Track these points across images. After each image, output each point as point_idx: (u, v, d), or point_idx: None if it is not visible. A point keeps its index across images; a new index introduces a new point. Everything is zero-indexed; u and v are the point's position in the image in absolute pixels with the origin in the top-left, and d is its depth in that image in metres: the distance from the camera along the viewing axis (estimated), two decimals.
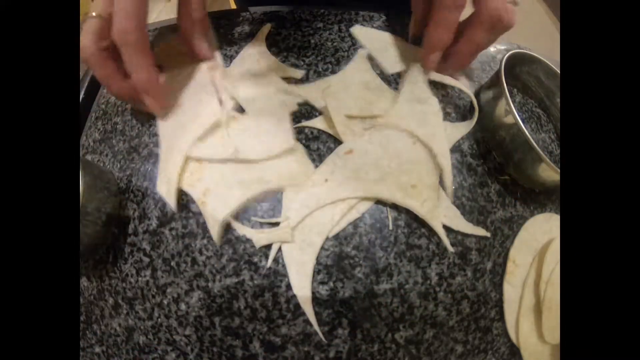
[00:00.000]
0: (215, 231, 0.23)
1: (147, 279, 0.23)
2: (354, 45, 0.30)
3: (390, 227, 0.23)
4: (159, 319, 0.23)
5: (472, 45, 0.25)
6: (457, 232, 0.24)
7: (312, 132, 0.26)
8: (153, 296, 0.23)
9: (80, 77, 0.32)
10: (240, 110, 0.26)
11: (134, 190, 0.25)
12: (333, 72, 0.28)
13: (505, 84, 0.25)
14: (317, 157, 0.25)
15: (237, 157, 0.24)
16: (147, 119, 0.27)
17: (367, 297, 0.22)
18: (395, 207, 0.24)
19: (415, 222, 0.24)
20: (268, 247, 0.23)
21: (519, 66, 0.29)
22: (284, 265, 0.22)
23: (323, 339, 0.22)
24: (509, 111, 0.24)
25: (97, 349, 0.23)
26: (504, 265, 0.25)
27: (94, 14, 0.23)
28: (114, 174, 0.26)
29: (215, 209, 0.23)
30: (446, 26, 0.24)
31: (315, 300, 0.22)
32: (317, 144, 0.25)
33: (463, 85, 0.29)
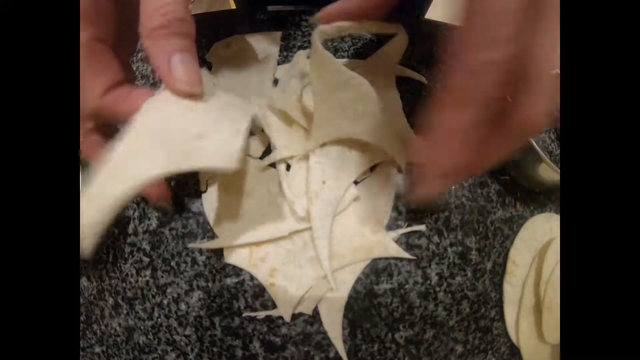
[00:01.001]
0: (288, 313, 0.21)
1: (147, 279, 0.23)
2: (354, 45, 0.30)
3: None
4: (159, 319, 0.23)
5: (485, 156, 0.16)
6: (457, 232, 0.24)
7: None
8: (153, 296, 0.23)
9: None
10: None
11: None
12: None
13: None
14: None
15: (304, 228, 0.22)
16: None
17: (367, 297, 0.22)
18: (395, 208, 0.24)
19: (415, 222, 0.24)
20: None
21: None
22: None
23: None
24: None
25: (97, 349, 0.23)
26: (504, 265, 0.25)
27: None
28: None
29: (287, 290, 0.21)
30: (453, 140, 0.15)
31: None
32: None
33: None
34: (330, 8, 0.21)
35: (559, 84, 0.15)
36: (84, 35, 0.17)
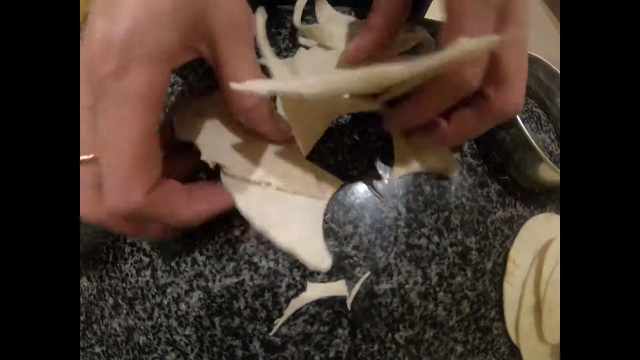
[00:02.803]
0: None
1: (147, 279, 0.23)
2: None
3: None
4: (159, 319, 0.23)
5: (464, 132, 0.21)
6: (457, 232, 0.24)
7: None
8: (153, 296, 0.23)
9: None
10: None
11: None
12: None
13: None
14: None
15: None
16: None
17: (367, 297, 0.22)
18: (395, 208, 0.24)
19: (415, 222, 0.24)
20: (268, 247, 0.22)
21: None
22: (283, 265, 0.22)
23: None
24: None
25: (97, 349, 0.23)
26: (504, 265, 0.25)
27: (85, 157, 0.16)
28: None
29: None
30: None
31: (315, 300, 0.22)
32: None
33: None
34: (356, 51, 0.23)
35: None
36: (148, 125, 0.15)
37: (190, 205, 0.18)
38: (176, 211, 0.18)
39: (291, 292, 0.22)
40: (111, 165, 0.15)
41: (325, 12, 0.29)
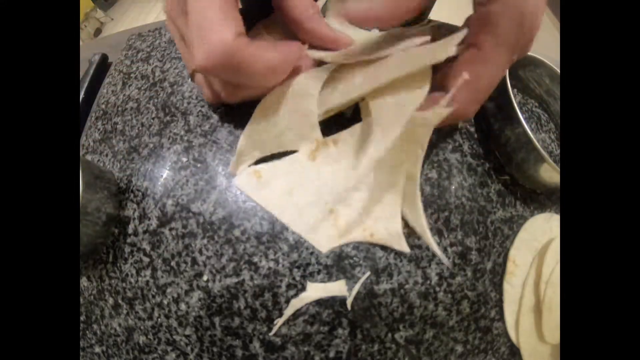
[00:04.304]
0: None
1: (147, 279, 0.23)
2: None
3: None
4: (159, 319, 0.23)
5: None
6: (457, 232, 0.24)
7: None
8: (153, 296, 0.23)
9: (80, 77, 0.32)
10: None
11: (134, 190, 0.25)
12: None
13: (509, 86, 0.25)
14: None
15: None
16: None
17: (367, 297, 0.22)
18: None
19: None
20: (268, 247, 0.23)
21: (522, 69, 0.29)
22: (283, 265, 0.22)
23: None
24: (514, 112, 0.24)
25: (97, 349, 0.23)
26: (504, 265, 0.25)
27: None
28: (114, 174, 0.26)
29: None
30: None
31: (315, 300, 0.22)
32: None
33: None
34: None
35: None
36: None
37: (268, 52, 0.19)
38: (258, 56, 0.19)
39: (291, 292, 0.22)
40: (201, 12, 0.17)
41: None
